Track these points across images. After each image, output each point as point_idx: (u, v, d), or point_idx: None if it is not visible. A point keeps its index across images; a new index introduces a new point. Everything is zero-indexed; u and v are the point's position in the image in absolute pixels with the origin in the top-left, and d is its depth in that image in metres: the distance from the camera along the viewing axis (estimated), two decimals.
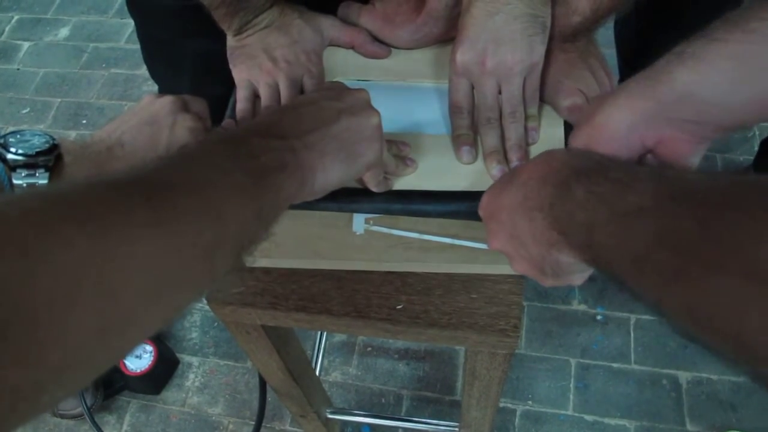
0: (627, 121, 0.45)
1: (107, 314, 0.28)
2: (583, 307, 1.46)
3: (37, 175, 0.52)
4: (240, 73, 0.66)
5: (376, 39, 0.72)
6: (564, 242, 0.41)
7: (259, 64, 0.65)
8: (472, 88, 0.62)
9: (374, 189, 0.58)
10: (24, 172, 0.52)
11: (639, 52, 1.00)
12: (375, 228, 0.63)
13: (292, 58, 0.66)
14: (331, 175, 0.49)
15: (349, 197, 0.61)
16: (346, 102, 0.52)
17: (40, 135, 0.54)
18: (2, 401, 0.24)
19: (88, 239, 0.28)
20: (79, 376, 0.29)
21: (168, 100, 0.60)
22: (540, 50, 0.60)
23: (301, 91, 0.67)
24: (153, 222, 0.32)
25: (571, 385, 1.37)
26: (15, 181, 0.52)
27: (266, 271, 0.67)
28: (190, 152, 0.40)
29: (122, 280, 0.29)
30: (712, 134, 0.43)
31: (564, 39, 0.62)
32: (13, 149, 0.52)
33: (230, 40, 0.67)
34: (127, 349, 0.32)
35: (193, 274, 0.35)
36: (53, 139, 0.54)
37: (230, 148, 0.41)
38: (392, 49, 0.71)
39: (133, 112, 0.60)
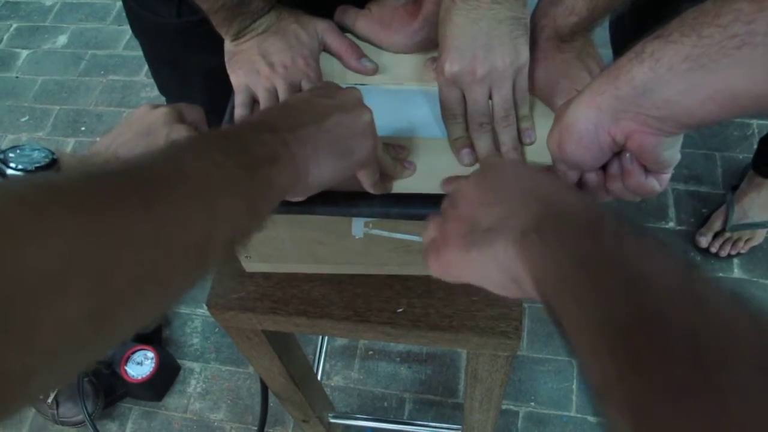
0: (592, 117, 0.46)
1: (98, 298, 0.28)
2: None
3: None
4: (238, 79, 0.66)
5: (372, 44, 0.71)
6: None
7: (257, 70, 0.65)
8: (463, 93, 0.61)
9: (370, 190, 0.58)
10: None
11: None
12: (374, 231, 0.62)
13: (289, 63, 0.66)
14: (324, 170, 0.49)
15: (348, 201, 0.61)
16: (338, 99, 0.52)
17: (39, 150, 0.54)
18: None
19: (79, 223, 0.28)
20: (71, 361, 0.29)
21: (163, 111, 0.60)
22: (526, 51, 0.60)
23: None
24: (143, 210, 0.32)
25: (574, 386, 1.37)
26: None
27: (266, 276, 0.67)
28: (181, 145, 0.40)
29: (113, 265, 0.29)
30: (675, 129, 0.45)
31: (561, 39, 0.62)
32: (12, 164, 0.52)
33: (228, 45, 0.67)
34: (120, 337, 0.32)
35: (185, 263, 0.35)
36: (53, 154, 0.54)
37: (222, 142, 0.41)
38: (389, 53, 0.71)
39: (129, 124, 0.60)
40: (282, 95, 0.65)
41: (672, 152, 0.48)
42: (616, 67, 0.45)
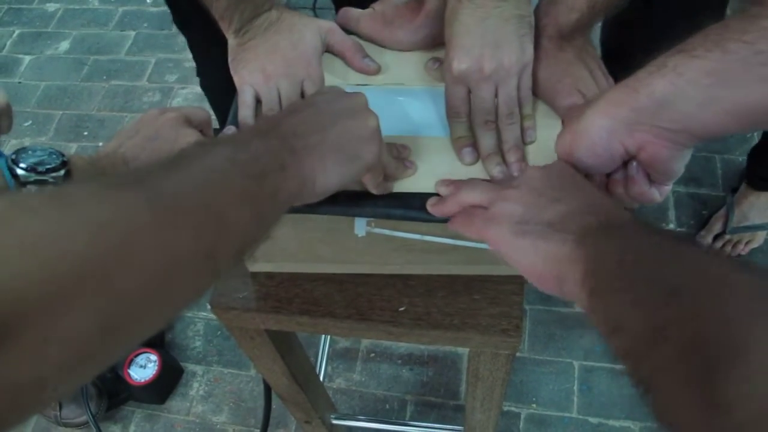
0: (607, 126, 0.48)
1: (108, 312, 0.29)
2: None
3: None
4: (241, 78, 0.67)
5: (375, 43, 0.72)
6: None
7: (260, 68, 0.66)
8: (469, 91, 0.62)
9: (374, 191, 0.59)
10: (34, 189, 0.52)
11: (623, 44, 0.99)
12: (377, 230, 0.63)
13: (292, 62, 0.66)
14: (331, 176, 0.50)
15: (351, 201, 0.61)
16: (344, 105, 0.53)
17: (51, 151, 0.55)
18: (4, 397, 0.25)
19: (88, 237, 0.28)
20: (81, 372, 0.29)
21: (170, 116, 0.61)
22: (530, 50, 0.60)
23: (302, 96, 0.67)
24: (153, 223, 0.32)
25: (575, 388, 1.37)
26: None
27: (269, 275, 0.67)
28: (190, 155, 0.40)
29: (122, 279, 0.29)
30: (688, 142, 0.46)
31: (562, 37, 0.63)
32: (23, 165, 0.53)
33: (231, 44, 0.68)
34: (128, 347, 0.33)
35: (194, 274, 0.35)
36: (63, 156, 0.55)
37: (230, 151, 0.42)
38: (391, 54, 0.72)
39: (137, 128, 0.60)
40: (284, 95, 0.66)
41: (680, 165, 0.49)
42: (635, 80, 0.46)
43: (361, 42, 0.72)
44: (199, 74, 1.25)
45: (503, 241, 0.48)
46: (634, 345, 0.34)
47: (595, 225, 0.43)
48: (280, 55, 0.66)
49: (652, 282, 0.35)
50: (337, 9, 0.73)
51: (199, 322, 1.55)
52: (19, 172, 0.53)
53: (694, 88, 0.43)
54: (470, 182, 0.56)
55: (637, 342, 0.34)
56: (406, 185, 0.62)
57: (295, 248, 0.64)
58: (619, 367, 1.38)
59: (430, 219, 0.61)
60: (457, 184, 0.59)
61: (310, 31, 0.69)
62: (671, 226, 1.55)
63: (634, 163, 0.50)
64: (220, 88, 1.20)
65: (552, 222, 0.45)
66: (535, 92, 0.64)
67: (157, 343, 1.45)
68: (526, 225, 0.46)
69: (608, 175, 0.54)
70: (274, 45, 0.66)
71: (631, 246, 0.39)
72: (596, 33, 1.10)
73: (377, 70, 0.70)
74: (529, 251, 0.45)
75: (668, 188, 0.52)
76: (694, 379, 0.29)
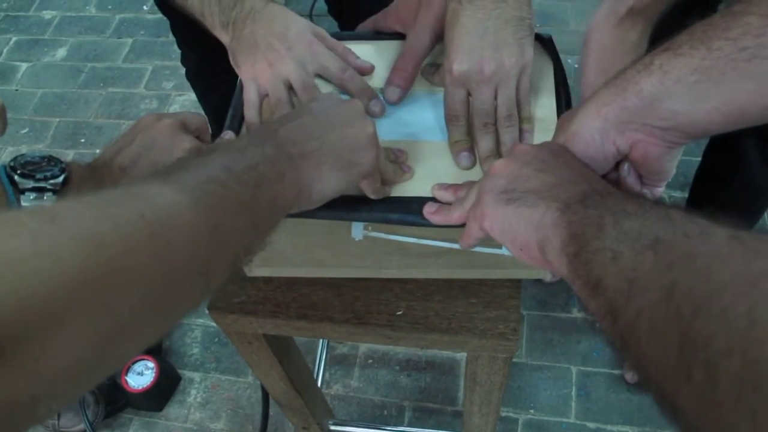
0: (598, 127, 0.48)
1: (102, 328, 0.29)
2: (582, 315, 1.46)
3: (45, 198, 0.52)
4: (246, 73, 0.66)
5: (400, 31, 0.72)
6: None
7: (262, 57, 0.65)
8: (468, 94, 0.62)
9: (372, 196, 0.59)
10: (32, 195, 0.52)
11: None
12: (373, 234, 0.63)
13: (292, 43, 0.65)
14: (328, 184, 0.50)
15: (348, 206, 0.62)
16: (340, 112, 0.53)
17: (49, 158, 0.54)
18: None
19: (83, 254, 0.28)
20: (74, 387, 0.29)
21: (166, 123, 0.61)
22: (530, 51, 0.61)
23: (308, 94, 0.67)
24: (148, 239, 0.32)
25: (573, 393, 1.37)
26: (23, 204, 0.52)
27: (267, 280, 0.67)
28: (185, 165, 0.40)
29: (117, 295, 0.29)
30: (679, 140, 0.46)
31: (640, 12, 0.60)
32: (21, 172, 0.52)
33: (225, 40, 0.67)
34: (123, 361, 0.32)
35: (189, 286, 0.35)
36: (62, 163, 0.55)
37: (226, 159, 0.42)
38: (385, 60, 0.72)
39: (133, 135, 0.60)
40: (294, 77, 0.65)
41: (672, 164, 0.49)
42: (623, 79, 0.46)
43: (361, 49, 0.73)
44: (183, 62, 1.23)
45: (488, 213, 0.48)
46: (612, 300, 0.34)
47: (580, 193, 0.43)
48: (277, 38, 0.65)
49: (630, 239, 0.35)
50: (333, 13, 0.73)
51: (196, 329, 1.54)
52: (18, 179, 0.52)
53: (681, 85, 0.43)
54: (465, 187, 0.56)
55: (615, 296, 0.34)
56: (403, 189, 0.63)
57: (292, 253, 0.64)
58: (617, 372, 1.38)
59: (428, 223, 0.61)
60: (454, 188, 0.59)
61: (301, 20, 0.68)
62: None
63: (626, 165, 0.50)
64: (202, 71, 1.18)
65: (537, 190, 0.45)
66: (586, 54, 0.63)
67: (155, 350, 1.45)
68: (511, 193, 0.46)
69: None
70: (268, 30, 0.65)
71: (613, 209, 0.39)
72: None
73: (371, 69, 0.70)
74: (513, 219, 0.45)
75: (660, 190, 0.52)
76: (669, 324, 0.30)
